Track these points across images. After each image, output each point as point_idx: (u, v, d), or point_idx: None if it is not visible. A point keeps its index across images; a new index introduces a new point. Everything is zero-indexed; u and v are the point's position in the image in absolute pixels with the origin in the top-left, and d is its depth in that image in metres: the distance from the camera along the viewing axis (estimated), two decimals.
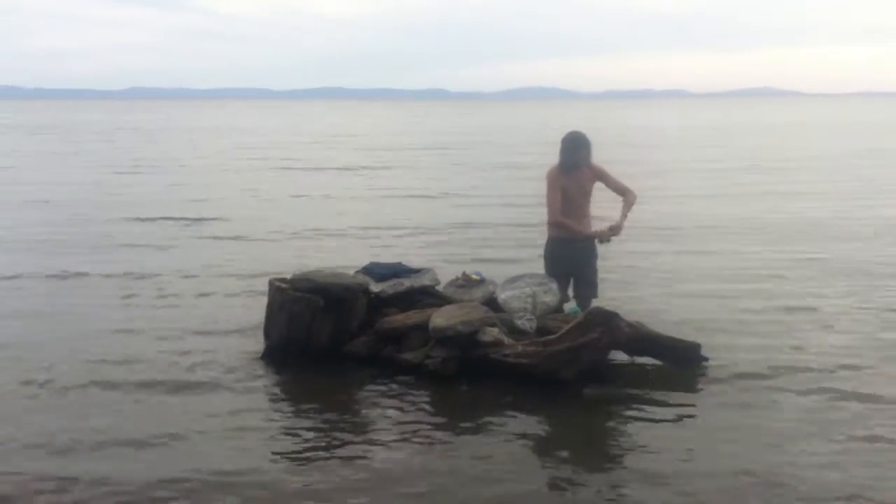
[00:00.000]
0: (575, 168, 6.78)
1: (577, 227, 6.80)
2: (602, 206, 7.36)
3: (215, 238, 12.70)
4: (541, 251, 7.18)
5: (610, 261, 8.07)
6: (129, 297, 8.88)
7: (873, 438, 5.11)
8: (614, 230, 6.75)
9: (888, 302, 8.38)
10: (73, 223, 14.07)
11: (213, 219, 14.48)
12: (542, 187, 6.89)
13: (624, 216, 6.77)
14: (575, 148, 6.79)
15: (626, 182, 6.91)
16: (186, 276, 9.89)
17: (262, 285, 7.20)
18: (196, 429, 5.36)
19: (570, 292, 7.03)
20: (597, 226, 6.97)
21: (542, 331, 6.37)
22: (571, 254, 6.89)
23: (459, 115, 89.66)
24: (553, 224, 6.88)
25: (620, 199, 6.84)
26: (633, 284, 9.21)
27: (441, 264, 8.70)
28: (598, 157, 6.91)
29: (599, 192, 6.97)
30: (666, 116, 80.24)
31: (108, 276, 9.90)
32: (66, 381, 6.22)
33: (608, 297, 7.33)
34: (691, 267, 10.29)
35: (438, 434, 5.29)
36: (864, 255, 10.83)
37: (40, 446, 5.09)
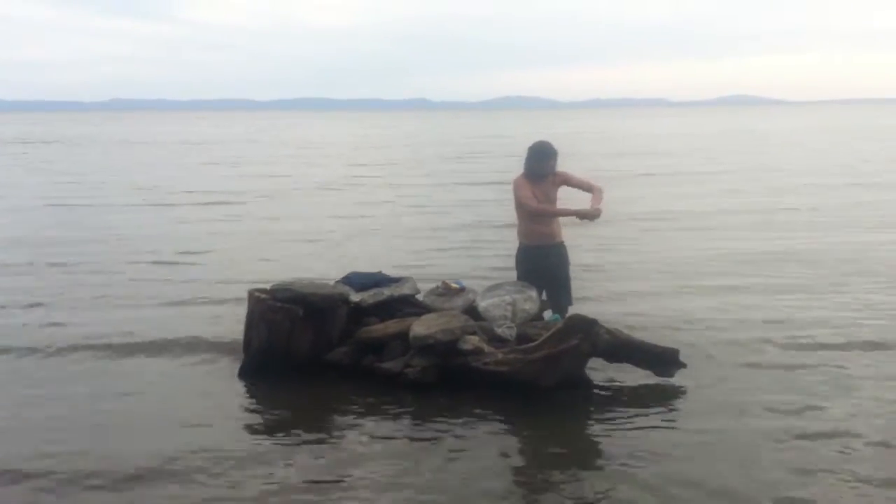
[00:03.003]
0: (542, 177, 6.83)
1: (559, 210, 6.81)
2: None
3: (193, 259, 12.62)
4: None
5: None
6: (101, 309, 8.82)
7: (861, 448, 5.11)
8: (594, 212, 6.60)
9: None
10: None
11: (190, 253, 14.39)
12: (509, 197, 6.95)
13: (596, 202, 6.65)
14: (544, 157, 6.83)
15: (592, 181, 6.94)
16: (162, 284, 9.85)
17: (238, 295, 7.17)
18: (175, 437, 5.33)
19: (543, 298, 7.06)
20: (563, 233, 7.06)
21: (522, 338, 6.39)
22: (543, 262, 6.93)
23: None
24: (533, 216, 6.80)
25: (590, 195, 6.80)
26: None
27: (421, 273, 8.71)
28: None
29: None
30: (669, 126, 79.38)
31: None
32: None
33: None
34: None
35: (418, 443, 5.29)
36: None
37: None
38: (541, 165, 6.82)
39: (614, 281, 9.86)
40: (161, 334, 7.65)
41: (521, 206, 6.88)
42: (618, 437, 5.33)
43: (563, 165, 7.01)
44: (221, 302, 8.87)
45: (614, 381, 6.33)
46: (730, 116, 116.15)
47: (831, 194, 18.45)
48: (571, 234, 7.29)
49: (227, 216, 16.47)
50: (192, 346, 7.35)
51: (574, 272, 7.20)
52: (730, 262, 10.83)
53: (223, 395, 6.20)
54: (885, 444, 5.10)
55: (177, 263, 11.42)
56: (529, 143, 7.03)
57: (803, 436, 5.25)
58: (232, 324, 7.57)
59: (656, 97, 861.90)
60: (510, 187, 7.00)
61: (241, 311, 6.91)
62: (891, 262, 10.64)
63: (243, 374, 6.57)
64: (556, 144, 6.94)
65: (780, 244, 12.11)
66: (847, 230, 13.32)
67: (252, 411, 5.98)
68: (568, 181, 6.91)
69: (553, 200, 6.90)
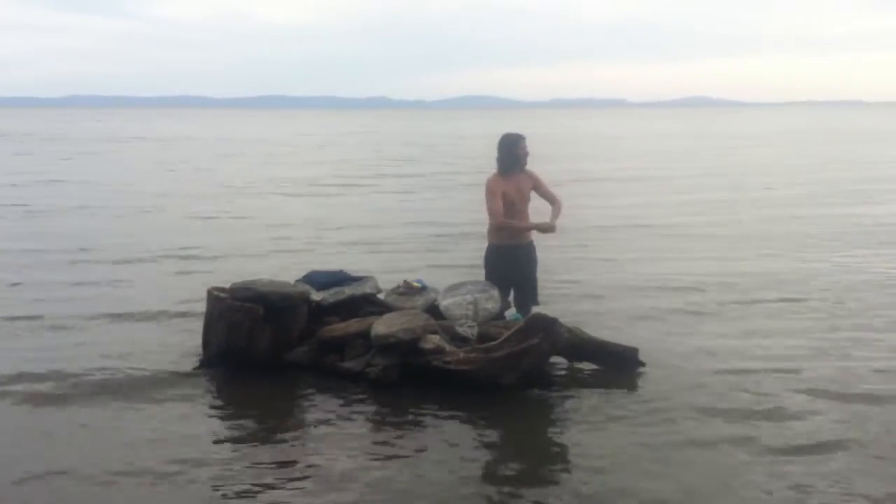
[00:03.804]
0: (517, 167, 6.90)
1: (522, 224, 6.91)
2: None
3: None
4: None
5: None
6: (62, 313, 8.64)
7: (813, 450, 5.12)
8: (551, 227, 6.88)
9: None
10: None
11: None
12: (476, 199, 6.99)
13: (555, 217, 6.95)
14: (514, 144, 6.92)
15: (555, 191, 7.12)
16: (122, 287, 9.70)
17: (199, 295, 7.07)
18: (133, 440, 5.25)
19: (510, 299, 7.10)
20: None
21: (483, 337, 6.41)
22: (512, 261, 6.97)
23: None
24: (498, 227, 6.91)
25: (550, 206, 7.07)
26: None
27: (383, 272, 8.67)
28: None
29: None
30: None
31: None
32: None
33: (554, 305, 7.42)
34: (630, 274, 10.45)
35: (379, 442, 5.28)
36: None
37: None
38: (513, 152, 6.90)
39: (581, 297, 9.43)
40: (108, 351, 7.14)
41: (490, 211, 6.91)
42: (576, 434, 5.37)
43: (539, 167, 7.10)
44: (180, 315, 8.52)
45: (574, 377, 6.39)
46: (694, 118, 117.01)
47: (819, 206, 17.37)
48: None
49: (188, 216, 16.30)
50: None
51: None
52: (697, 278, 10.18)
53: (177, 410, 5.85)
54: (862, 453, 5.06)
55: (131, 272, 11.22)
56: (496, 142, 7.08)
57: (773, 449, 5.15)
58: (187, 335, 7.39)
59: (616, 97, 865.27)
60: (482, 188, 7.01)
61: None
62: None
63: (201, 369, 6.51)
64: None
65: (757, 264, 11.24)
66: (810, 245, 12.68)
67: (210, 409, 5.92)
68: (538, 186, 7.02)
69: (527, 198, 6.99)
